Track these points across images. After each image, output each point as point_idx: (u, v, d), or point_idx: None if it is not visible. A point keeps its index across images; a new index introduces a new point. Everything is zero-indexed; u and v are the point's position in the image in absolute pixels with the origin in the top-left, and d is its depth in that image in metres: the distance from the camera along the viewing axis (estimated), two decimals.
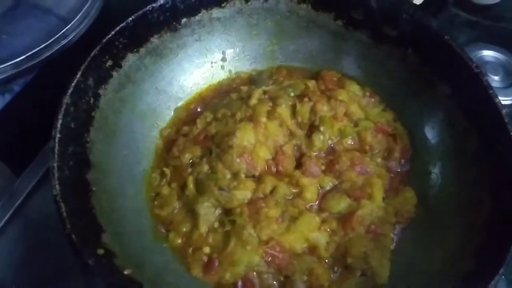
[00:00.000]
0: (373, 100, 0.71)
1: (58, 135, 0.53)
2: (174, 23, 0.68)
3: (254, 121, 0.64)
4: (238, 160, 0.61)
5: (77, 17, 0.76)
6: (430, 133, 0.66)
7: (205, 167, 0.62)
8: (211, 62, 0.74)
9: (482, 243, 0.53)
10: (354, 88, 0.71)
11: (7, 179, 0.69)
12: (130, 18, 0.63)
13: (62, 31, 0.73)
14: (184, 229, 0.59)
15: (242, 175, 0.61)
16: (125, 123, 0.64)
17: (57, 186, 0.49)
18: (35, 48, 0.71)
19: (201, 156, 0.64)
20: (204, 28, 0.71)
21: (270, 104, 0.66)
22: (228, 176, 0.61)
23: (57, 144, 0.52)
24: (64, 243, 0.47)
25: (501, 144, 0.56)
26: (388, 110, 0.70)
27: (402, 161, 0.67)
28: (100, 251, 0.49)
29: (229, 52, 0.75)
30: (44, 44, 0.71)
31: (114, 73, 0.63)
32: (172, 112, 0.71)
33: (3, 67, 0.69)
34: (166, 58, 0.70)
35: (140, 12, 0.64)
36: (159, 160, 0.67)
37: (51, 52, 0.72)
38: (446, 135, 0.64)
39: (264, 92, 0.69)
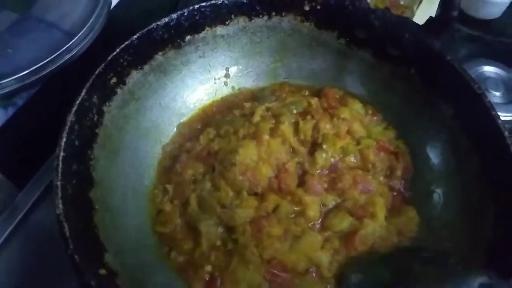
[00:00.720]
0: (375, 118, 0.71)
1: (62, 154, 0.53)
2: (178, 40, 0.68)
3: (257, 139, 0.64)
4: (240, 177, 0.61)
5: (82, 31, 0.75)
6: (433, 153, 0.66)
7: (208, 185, 0.62)
8: (215, 79, 0.75)
9: (486, 263, 0.53)
10: (357, 106, 0.71)
11: (9, 193, 0.68)
12: (135, 36, 0.63)
13: (67, 46, 0.73)
14: (186, 247, 0.59)
15: (245, 193, 0.61)
16: (129, 140, 0.64)
17: (60, 205, 0.49)
18: (39, 63, 0.70)
19: (204, 173, 0.64)
20: (208, 45, 0.72)
21: (273, 121, 0.67)
22: (231, 194, 0.61)
23: (61, 163, 0.52)
24: (66, 259, 0.47)
25: (503, 164, 0.56)
26: (390, 128, 0.70)
27: (404, 180, 0.67)
28: (102, 272, 0.49)
29: (233, 68, 0.75)
30: (49, 59, 0.71)
31: (118, 90, 0.63)
32: (175, 128, 0.72)
33: (7, 81, 0.68)
34: (170, 74, 0.70)
35: (144, 30, 0.64)
36: (162, 176, 0.67)
37: (55, 66, 0.71)
38: (448, 154, 0.64)
39: (267, 109, 0.69)
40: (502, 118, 0.66)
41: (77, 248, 0.48)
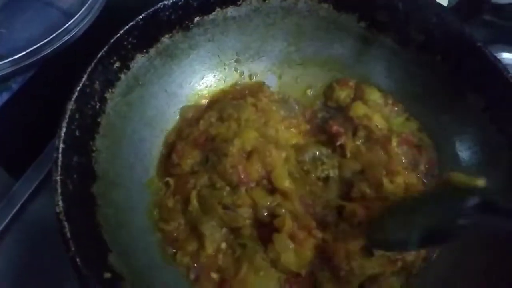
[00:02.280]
0: (396, 109, 0.67)
1: (61, 145, 0.48)
2: (187, 22, 0.63)
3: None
4: (230, 170, 0.57)
5: (81, 11, 0.70)
6: (459, 147, 0.62)
7: (205, 178, 0.58)
8: (224, 64, 0.70)
9: None
10: (375, 96, 0.67)
11: (5, 183, 0.65)
12: (140, 17, 0.58)
13: (65, 26, 0.68)
14: (191, 249, 0.55)
15: (243, 189, 0.57)
16: (132, 129, 0.60)
17: (60, 203, 0.45)
18: (35, 44, 0.65)
19: (201, 162, 0.60)
20: (218, 27, 0.66)
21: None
22: (227, 189, 0.57)
23: (60, 155, 0.47)
24: (63, 252, 0.43)
25: None
26: (412, 120, 0.66)
27: (429, 174, 0.63)
28: (107, 275, 0.45)
29: (244, 53, 0.70)
30: (45, 40, 0.66)
31: (122, 76, 0.58)
32: (178, 115, 0.67)
33: (1, 64, 0.64)
34: (177, 59, 0.65)
35: (150, 10, 0.59)
36: (161, 168, 0.62)
37: (52, 48, 0.67)
38: (477, 149, 0.60)
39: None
40: None
41: (79, 249, 0.44)
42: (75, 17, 0.69)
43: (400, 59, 0.66)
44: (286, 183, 0.58)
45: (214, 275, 0.54)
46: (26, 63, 0.65)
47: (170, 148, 0.63)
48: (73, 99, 0.51)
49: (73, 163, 0.49)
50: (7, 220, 0.62)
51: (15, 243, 0.62)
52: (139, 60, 0.60)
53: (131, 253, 0.52)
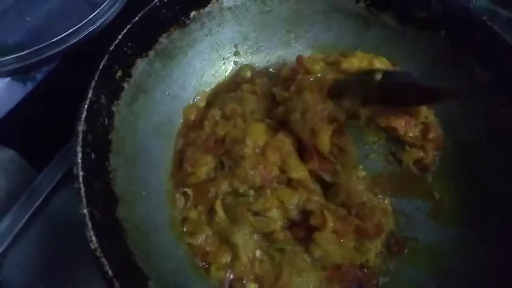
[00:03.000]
0: None
1: (81, 173, 0.43)
2: (183, 17, 0.59)
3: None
4: (252, 172, 0.54)
5: (107, 1, 0.66)
6: (467, 123, 0.62)
7: (225, 184, 0.55)
8: (223, 58, 0.66)
9: None
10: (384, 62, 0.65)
11: (28, 176, 0.62)
12: (137, 18, 0.53)
13: (90, 16, 0.64)
14: (225, 260, 0.53)
15: (268, 191, 0.55)
16: (142, 141, 0.56)
17: (94, 238, 0.41)
18: (60, 34, 0.62)
19: (216, 167, 0.57)
20: (214, 20, 0.62)
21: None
22: (251, 193, 0.55)
23: (82, 186, 0.43)
24: (85, 246, 0.41)
25: None
26: None
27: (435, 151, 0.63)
28: None
29: (242, 44, 0.67)
30: (71, 30, 0.63)
31: (125, 85, 0.53)
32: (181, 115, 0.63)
33: (25, 53, 0.60)
34: (176, 58, 0.60)
35: (147, 9, 0.54)
36: (178, 178, 0.59)
37: (77, 39, 0.64)
38: (485, 124, 0.60)
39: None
40: None
41: (123, 286, 0.40)
42: (101, 7, 0.65)
43: (402, 37, 0.65)
44: (301, 171, 0.56)
45: (252, 285, 0.52)
46: (51, 53, 0.62)
47: (180, 156, 0.59)
48: (82, 119, 0.46)
49: (95, 190, 0.45)
50: (30, 213, 0.59)
51: (38, 235, 0.60)
52: (140, 65, 0.55)
53: (166, 275, 0.49)
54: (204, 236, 0.54)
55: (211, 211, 0.55)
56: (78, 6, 0.68)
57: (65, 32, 0.62)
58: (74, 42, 0.63)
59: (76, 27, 0.63)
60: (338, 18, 0.67)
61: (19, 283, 0.57)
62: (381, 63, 0.64)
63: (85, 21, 0.63)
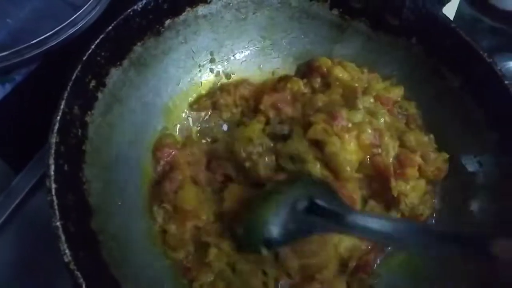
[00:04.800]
0: (373, 75, 0.66)
1: (54, 186, 0.43)
2: (158, 26, 0.59)
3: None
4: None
5: (88, 3, 0.66)
6: (442, 126, 0.64)
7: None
8: (199, 65, 0.66)
9: None
10: (350, 66, 0.66)
11: (6, 177, 0.62)
12: (110, 27, 0.53)
13: (71, 19, 0.64)
14: (208, 280, 0.52)
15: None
16: (117, 151, 0.55)
17: (67, 251, 0.41)
18: (40, 36, 0.62)
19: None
20: (189, 28, 0.62)
21: None
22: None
23: (55, 198, 0.42)
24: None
25: None
26: (398, 86, 0.65)
27: None
28: None
29: (218, 52, 0.67)
30: (51, 32, 0.62)
31: (99, 95, 0.53)
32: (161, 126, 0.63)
33: (5, 54, 0.59)
34: (151, 66, 0.60)
35: (120, 18, 0.54)
36: (156, 190, 0.58)
37: (58, 40, 0.63)
38: (461, 126, 0.62)
39: None
40: None
41: None
42: (82, 10, 0.65)
43: (376, 44, 0.67)
44: None
45: None
46: (30, 54, 0.62)
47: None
48: (55, 131, 0.46)
49: (69, 202, 0.44)
50: (7, 214, 0.59)
51: (15, 236, 0.60)
52: (114, 74, 0.55)
53: (144, 285, 0.49)
54: (186, 251, 0.54)
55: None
56: (60, 8, 0.68)
57: (45, 34, 0.62)
58: (54, 44, 0.63)
59: (56, 29, 0.63)
60: (313, 25, 0.68)
61: None
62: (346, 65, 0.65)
63: (65, 23, 0.63)
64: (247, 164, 0.54)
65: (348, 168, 0.54)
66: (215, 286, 0.52)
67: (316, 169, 0.53)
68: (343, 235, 0.53)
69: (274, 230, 0.49)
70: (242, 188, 0.56)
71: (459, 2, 0.81)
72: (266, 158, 0.53)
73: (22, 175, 0.62)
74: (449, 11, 0.79)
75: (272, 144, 0.55)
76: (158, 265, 0.53)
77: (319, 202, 0.49)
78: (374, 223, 0.47)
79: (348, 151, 0.54)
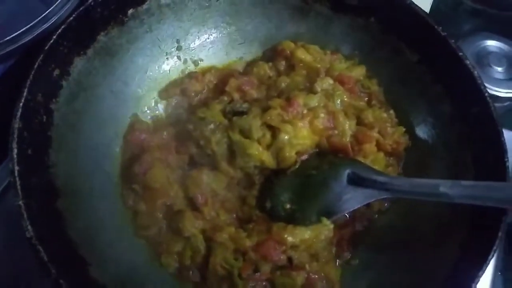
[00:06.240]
0: (335, 56, 0.68)
1: (17, 168, 0.46)
2: (121, 16, 0.61)
3: None
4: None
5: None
6: (404, 100, 0.65)
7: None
8: (166, 53, 0.68)
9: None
10: (313, 48, 0.67)
11: None
12: (71, 18, 0.55)
13: (43, 14, 0.66)
14: (176, 249, 0.55)
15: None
16: (85, 137, 0.58)
17: (29, 227, 0.43)
18: (14, 33, 0.64)
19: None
20: (153, 17, 0.64)
21: None
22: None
23: (18, 179, 0.45)
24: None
25: (476, 106, 0.56)
26: (360, 65, 0.67)
27: None
28: None
29: (184, 39, 0.69)
30: (24, 28, 0.65)
31: (64, 83, 0.55)
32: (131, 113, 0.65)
33: None
34: (116, 56, 0.62)
35: (81, 9, 0.56)
36: (125, 173, 0.60)
37: (31, 37, 0.66)
38: (420, 99, 0.64)
39: None
40: (503, 95, 0.68)
41: (59, 271, 0.42)
42: (54, 5, 0.67)
43: (337, 25, 0.69)
44: None
45: None
46: (5, 51, 0.64)
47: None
48: (17, 117, 0.48)
49: (32, 183, 0.47)
50: None
51: None
52: (78, 63, 0.57)
53: (112, 261, 0.51)
54: (158, 227, 0.57)
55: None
56: (32, 4, 0.69)
57: (18, 31, 0.64)
58: (28, 40, 0.65)
59: (29, 25, 0.64)
60: (276, 9, 0.70)
61: None
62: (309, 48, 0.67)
63: (38, 19, 0.65)
64: (201, 142, 0.56)
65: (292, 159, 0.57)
66: (183, 256, 0.54)
67: (254, 149, 0.55)
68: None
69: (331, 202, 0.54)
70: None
71: None
72: (218, 135, 0.55)
73: None
74: None
75: (227, 122, 0.57)
76: (130, 246, 0.55)
77: (364, 174, 0.54)
78: (419, 186, 0.51)
79: (301, 137, 0.56)
